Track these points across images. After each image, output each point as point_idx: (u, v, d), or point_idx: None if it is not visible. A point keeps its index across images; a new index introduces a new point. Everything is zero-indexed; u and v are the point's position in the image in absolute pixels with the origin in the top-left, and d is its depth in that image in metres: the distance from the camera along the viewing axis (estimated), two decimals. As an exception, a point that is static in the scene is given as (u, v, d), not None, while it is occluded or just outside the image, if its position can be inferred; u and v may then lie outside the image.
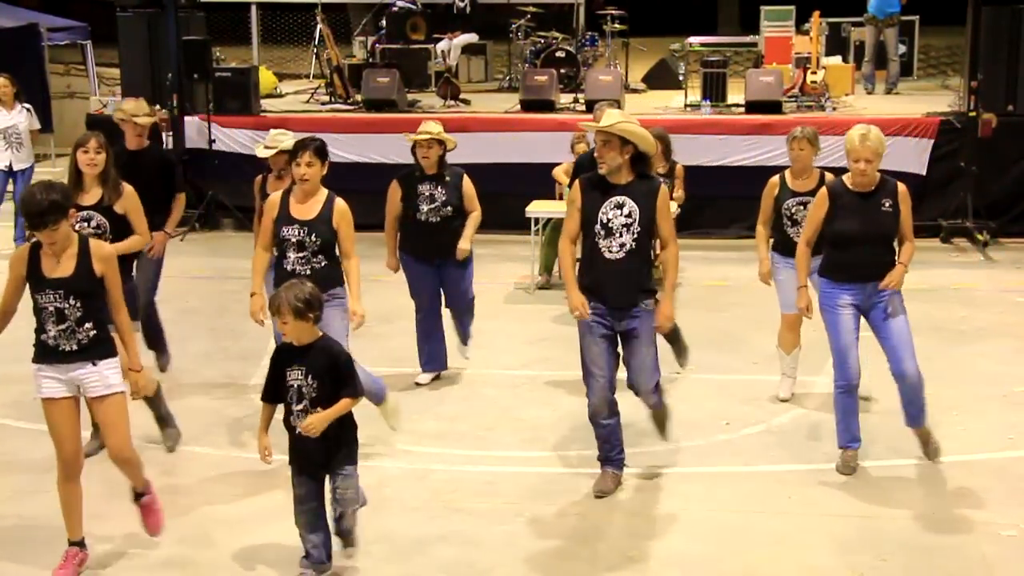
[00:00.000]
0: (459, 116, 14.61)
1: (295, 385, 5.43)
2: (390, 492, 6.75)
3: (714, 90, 14.74)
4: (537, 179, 12.21)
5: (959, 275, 11.72)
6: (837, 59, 16.89)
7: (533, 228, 11.44)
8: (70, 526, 5.77)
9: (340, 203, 6.88)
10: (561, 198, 11.34)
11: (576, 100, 15.33)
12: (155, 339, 8.80)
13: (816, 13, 15.47)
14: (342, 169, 12.83)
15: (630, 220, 6.40)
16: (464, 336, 8.82)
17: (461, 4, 17.92)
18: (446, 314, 8.70)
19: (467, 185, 8.49)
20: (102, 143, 7.04)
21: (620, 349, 6.61)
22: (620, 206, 6.41)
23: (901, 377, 6.80)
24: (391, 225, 8.45)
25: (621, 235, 6.41)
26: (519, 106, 14.83)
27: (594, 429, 6.72)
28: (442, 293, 8.59)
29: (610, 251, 6.43)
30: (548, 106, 14.60)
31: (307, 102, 16.23)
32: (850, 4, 17.31)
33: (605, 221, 6.41)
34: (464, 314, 8.75)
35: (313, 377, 5.40)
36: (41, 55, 18.46)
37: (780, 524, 6.33)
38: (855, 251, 6.77)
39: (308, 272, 6.71)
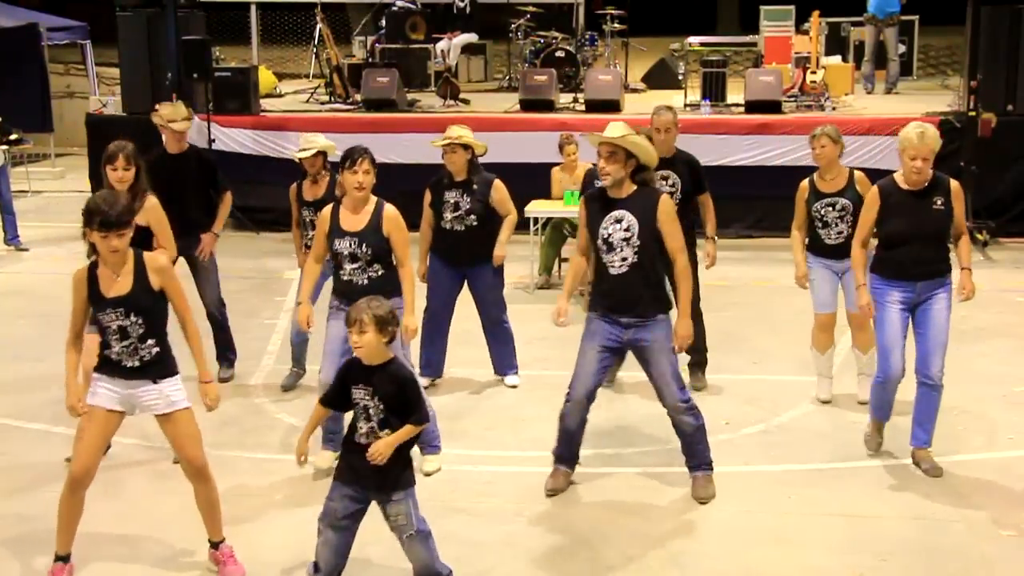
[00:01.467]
0: (459, 116, 14.61)
1: (361, 404, 5.31)
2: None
3: (714, 90, 14.74)
4: (537, 179, 12.20)
5: (958, 275, 11.70)
6: (837, 59, 16.89)
7: (532, 228, 11.44)
8: (62, 539, 5.70)
9: (390, 210, 6.76)
10: (559, 198, 11.35)
11: (576, 100, 15.34)
12: (224, 346, 8.80)
13: (816, 13, 15.48)
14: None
15: (629, 234, 6.37)
16: (507, 369, 8.70)
17: (461, 4, 17.91)
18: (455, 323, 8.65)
19: (496, 191, 8.32)
20: (130, 157, 6.96)
21: (616, 363, 6.78)
22: (619, 220, 6.39)
23: (924, 375, 6.85)
24: (426, 231, 8.36)
25: (622, 249, 6.39)
26: (519, 106, 14.83)
27: (559, 426, 6.77)
28: (474, 303, 8.53)
29: (613, 266, 6.43)
30: (548, 106, 14.60)
31: (307, 102, 16.23)
32: (850, 4, 17.31)
33: (606, 236, 6.41)
34: (501, 344, 8.60)
35: (380, 399, 5.27)
36: (41, 55, 18.46)
37: (780, 524, 6.34)
38: (907, 250, 6.79)
39: (366, 282, 6.67)
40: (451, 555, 5.97)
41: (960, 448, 7.20)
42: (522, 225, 11.47)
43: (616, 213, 6.40)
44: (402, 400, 5.28)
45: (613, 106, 14.41)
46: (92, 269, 5.52)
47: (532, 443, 7.48)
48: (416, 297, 6.80)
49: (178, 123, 8.53)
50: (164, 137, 8.67)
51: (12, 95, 15.96)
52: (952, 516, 6.40)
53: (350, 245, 6.70)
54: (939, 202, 6.76)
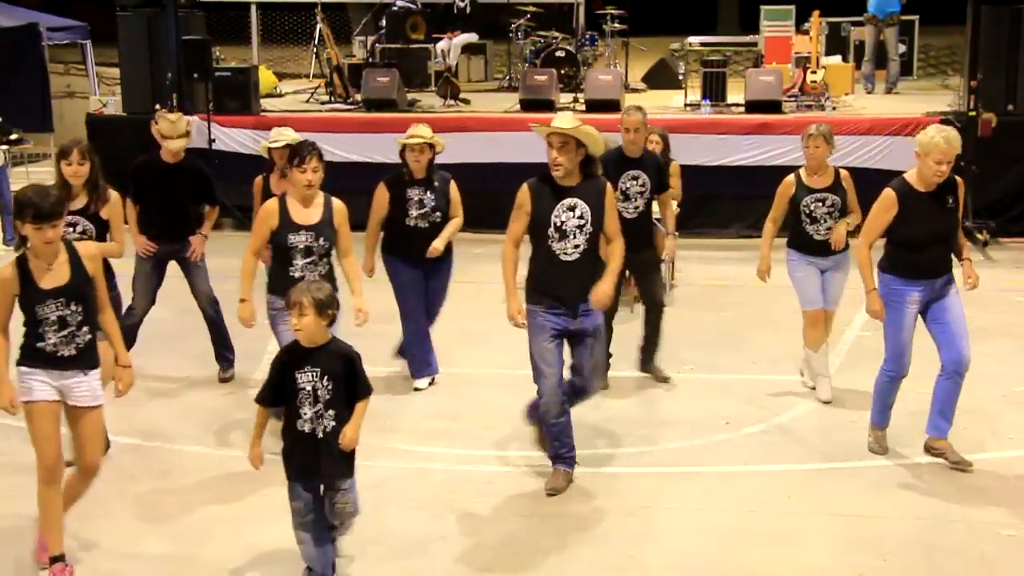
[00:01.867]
0: (459, 116, 14.62)
1: (308, 388, 5.30)
2: (390, 492, 6.75)
3: (714, 90, 14.74)
4: (537, 179, 12.21)
5: (959, 275, 11.69)
6: (837, 59, 16.89)
7: (533, 228, 11.42)
8: (54, 539, 5.69)
9: (339, 204, 6.91)
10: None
11: (576, 100, 15.33)
12: (222, 345, 8.78)
13: (816, 13, 15.47)
14: (342, 169, 12.83)
15: (583, 221, 6.47)
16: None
17: (461, 4, 17.91)
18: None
19: (454, 190, 8.41)
20: (84, 153, 6.96)
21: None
22: (572, 208, 6.46)
23: (957, 363, 6.83)
24: (375, 228, 8.34)
25: (575, 237, 6.47)
26: (519, 106, 14.83)
27: (545, 428, 6.77)
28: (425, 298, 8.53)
29: (565, 253, 6.49)
30: (548, 106, 14.58)
31: (307, 102, 16.23)
32: (850, 4, 17.31)
33: (559, 224, 6.45)
34: (433, 319, 8.65)
35: (329, 379, 5.29)
36: (41, 55, 18.44)
37: (780, 524, 6.33)
38: (929, 251, 6.81)
39: (317, 277, 6.70)
40: (451, 555, 5.98)
41: (960, 448, 7.18)
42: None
43: (569, 200, 6.47)
44: (350, 375, 5.32)
45: (613, 106, 14.36)
46: (21, 264, 5.51)
47: (532, 443, 7.47)
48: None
49: (174, 141, 8.40)
50: (162, 147, 8.58)
51: (12, 95, 15.94)
52: (952, 516, 6.40)
53: (306, 238, 6.76)
54: (950, 200, 6.80)
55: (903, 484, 6.83)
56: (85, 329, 5.60)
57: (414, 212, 8.22)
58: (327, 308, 5.28)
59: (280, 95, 17.19)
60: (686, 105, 14.94)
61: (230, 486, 6.83)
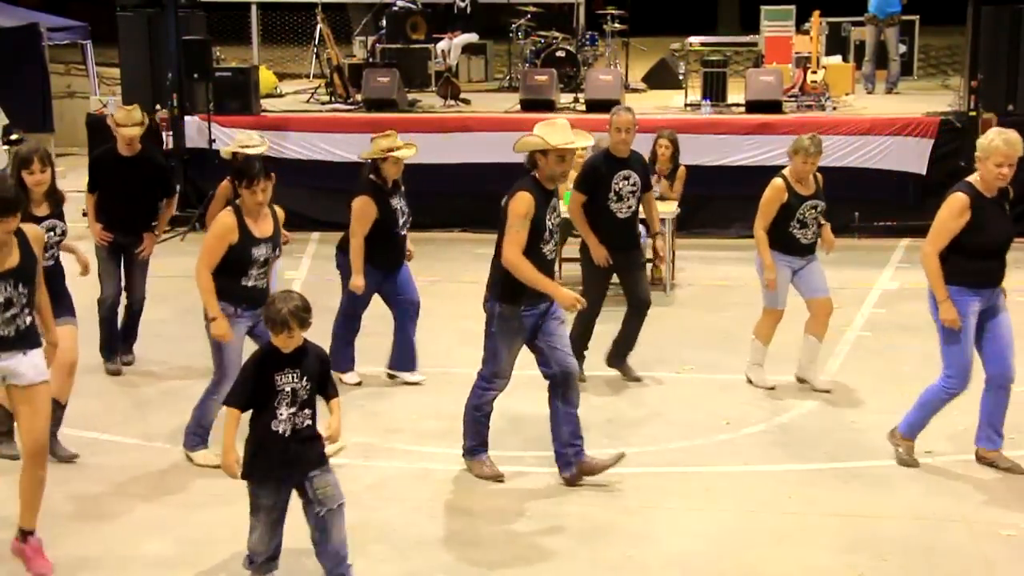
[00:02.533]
0: (459, 116, 14.61)
1: (288, 389, 5.33)
2: (390, 492, 6.75)
3: (714, 90, 14.73)
4: (537, 179, 12.20)
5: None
6: (837, 59, 16.88)
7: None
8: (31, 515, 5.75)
9: (279, 211, 7.11)
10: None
11: (576, 100, 15.32)
12: (128, 336, 8.93)
13: (816, 13, 15.47)
14: (342, 169, 12.85)
15: (559, 221, 6.83)
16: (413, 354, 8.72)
17: (461, 4, 17.91)
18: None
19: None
20: (44, 160, 6.94)
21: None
22: (554, 209, 6.72)
23: (1004, 377, 6.77)
24: (363, 244, 8.17)
25: (554, 236, 6.75)
26: (519, 106, 14.82)
27: (473, 419, 6.96)
28: (389, 301, 8.53)
29: (551, 254, 6.75)
30: (548, 106, 14.58)
31: (307, 102, 16.22)
32: (850, 4, 17.30)
33: (550, 227, 6.67)
34: (415, 318, 8.62)
35: (308, 379, 5.37)
36: (41, 55, 18.44)
37: (780, 524, 6.33)
38: (999, 257, 6.74)
39: (264, 285, 6.89)
40: (451, 555, 5.98)
41: (960, 448, 7.20)
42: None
43: (553, 201, 6.73)
44: (324, 376, 5.46)
45: (613, 106, 14.37)
46: None
47: (532, 443, 7.47)
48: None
49: (127, 128, 8.54)
50: (117, 139, 8.66)
51: (12, 95, 15.95)
52: (952, 516, 6.40)
53: (265, 251, 6.85)
54: (1006, 205, 6.77)
55: (903, 484, 6.83)
56: (27, 311, 5.65)
57: (401, 220, 8.31)
58: (308, 318, 5.33)
59: (280, 95, 17.19)
60: (686, 105, 14.93)
61: (230, 486, 6.80)
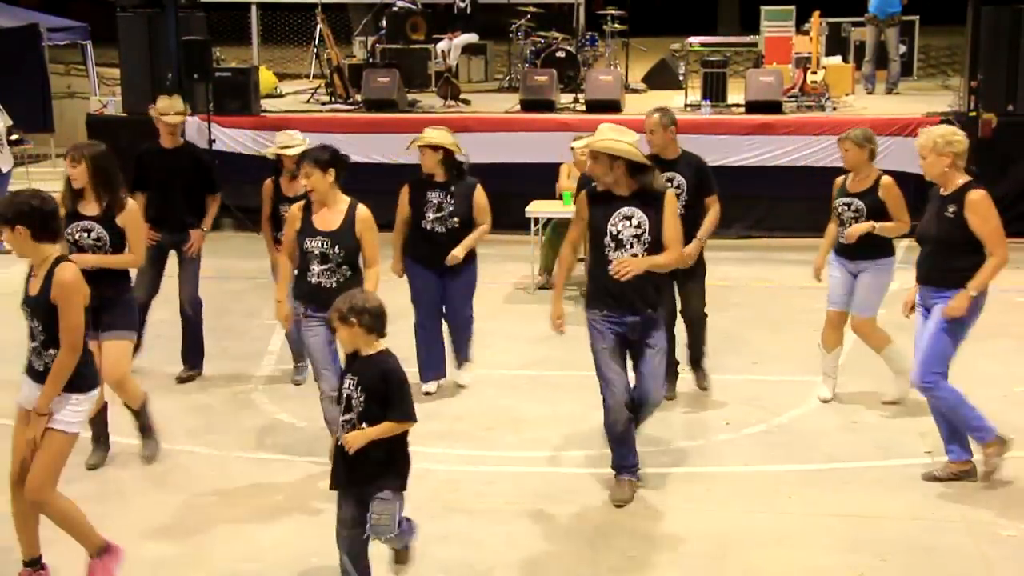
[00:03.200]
0: (459, 116, 14.61)
1: (345, 394, 5.20)
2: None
3: (714, 90, 14.74)
4: (537, 179, 12.22)
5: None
6: (837, 59, 16.88)
7: (533, 228, 11.44)
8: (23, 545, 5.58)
9: (363, 211, 6.75)
10: (559, 197, 11.33)
11: (576, 100, 15.34)
12: (192, 347, 8.80)
13: (816, 13, 15.47)
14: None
15: (640, 231, 6.38)
16: (461, 357, 8.64)
17: (461, 4, 17.91)
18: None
19: (478, 196, 8.28)
20: (76, 156, 6.76)
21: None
22: (628, 217, 6.39)
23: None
24: (400, 229, 8.26)
25: (632, 246, 6.38)
26: (519, 106, 14.83)
27: (608, 437, 6.65)
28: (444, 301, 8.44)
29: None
30: (548, 106, 14.60)
31: (307, 102, 16.24)
32: (850, 4, 17.31)
33: (615, 233, 6.39)
34: (461, 331, 8.56)
35: (363, 390, 5.15)
36: (41, 55, 18.44)
37: (780, 524, 6.34)
38: None
39: (334, 285, 6.61)
40: (451, 555, 5.98)
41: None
42: (523, 225, 11.52)
43: (625, 210, 6.40)
44: (383, 392, 5.17)
45: (613, 106, 14.41)
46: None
47: (532, 443, 7.49)
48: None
49: (171, 116, 8.51)
50: (160, 131, 8.64)
51: (12, 95, 15.92)
52: (952, 516, 6.40)
53: (321, 245, 6.67)
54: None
55: (903, 484, 6.83)
56: (52, 352, 5.37)
57: (431, 215, 8.12)
58: (350, 317, 5.13)
59: (280, 95, 17.20)
60: (686, 105, 14.93)
61: (231, 486, 6.84)
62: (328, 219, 6.71)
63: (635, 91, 17.06)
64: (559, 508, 6.55)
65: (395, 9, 17.80)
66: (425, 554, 5.99)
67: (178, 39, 14.22)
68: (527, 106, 14.69)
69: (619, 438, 6.60)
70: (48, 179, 17.71)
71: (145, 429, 7.21)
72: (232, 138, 14.30)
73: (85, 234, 6.78)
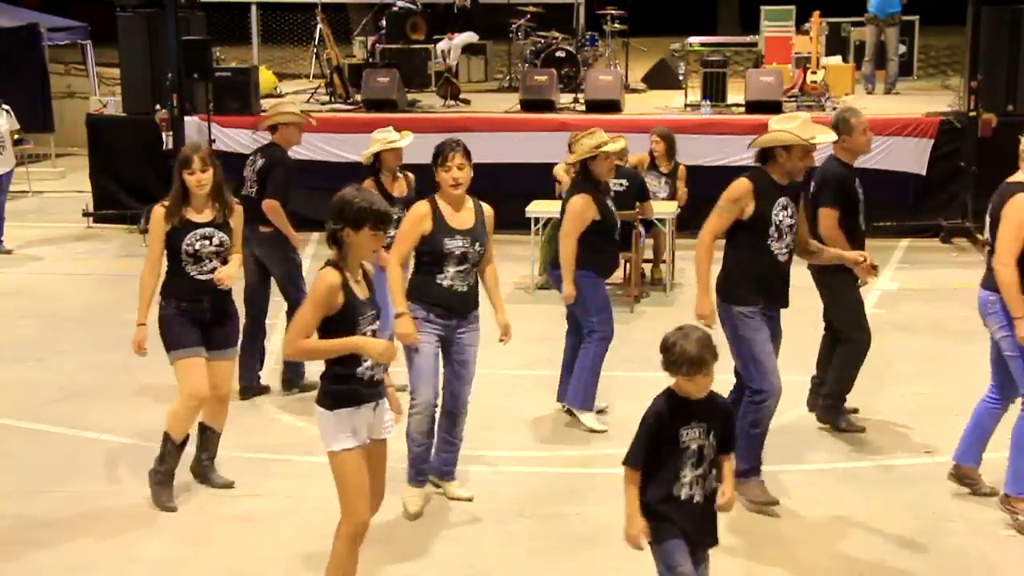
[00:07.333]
0: (459, 116, 14.62)
1: (693, 447, 4.62)
2: (390, 492, 6.73)
3: (714, 90, 14.74)
4: (537, 179, 12.21)
5: (959, 275, 11.70)
6: (837, 59, 16.89)
7: (533, 228, 11.44)
8: None
9: (487, 207, 6.45)
10: (560, 197, 11.31)
11: (576, 100, 15.34)
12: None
13: (816, 13, 15.48)
14: (342, 169, 12.85)
15: (793, 221, 6.34)
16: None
17: (461, 4, 17.92)
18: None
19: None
20: (206, 159, 6.43)
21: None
22: (785, 207, 6.34)
23: None
24: (574, 246, 7.59)
25: (786, 236, 6.36)
26: (519, 106, 14.83)
27: (764, 425, 6.46)
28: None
29: (782, 254, 6.40)
30: (548, 106, 14.60)
31: (307, 102, 16.22)
32: (850, 4, 17.31)
33: (777, 223, 6.31)
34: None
35: (715, 436, 4.67)
36: (41, 55, 18.45)
37: (780, 524, 6.33)
38: None
39: (466, 290, 6.32)
40: (451, 555, 5.98)
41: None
42: (523, 225, 11.52)
43: (783, 200, 6.35)
44: (728, 435, 4.75)
45: (613, 106, 14.40)
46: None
47: (532, 443, 7.49)
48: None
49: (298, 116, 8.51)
50: (282, 134, 8.48)
51: (12, 95, 15.93)
52: (952, 516, 6.40)
53: (462, 244, 6.24)
54: None
55: (903, 484, 6.83)
56: None
57: (618, 224, 7.80)
58: (711, 360, 4.61)
59: (280, 95, 17.18)
60: (686, 105, 14.94)
61: (231, 487, 6.83)
62: (463, 217, 6.32)
63: (635, 91, 17.07)
64: (559, 508, 6.55)
65: (395, 9, 17.80)
66: (425, 554, 6.00)
67: (178, 39, 14.20)
68: (527, 106, 14.69)
69: (766, 429, 6.47)
70: (47, 179, 17.78)
71: (214, 456, 6.88)
72: (232, 138, 14.28)
73: (206, 241, 6.41)
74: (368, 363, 5.03)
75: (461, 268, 6.29)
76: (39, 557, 5.95)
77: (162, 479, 6.52)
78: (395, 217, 6.47)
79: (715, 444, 4.67)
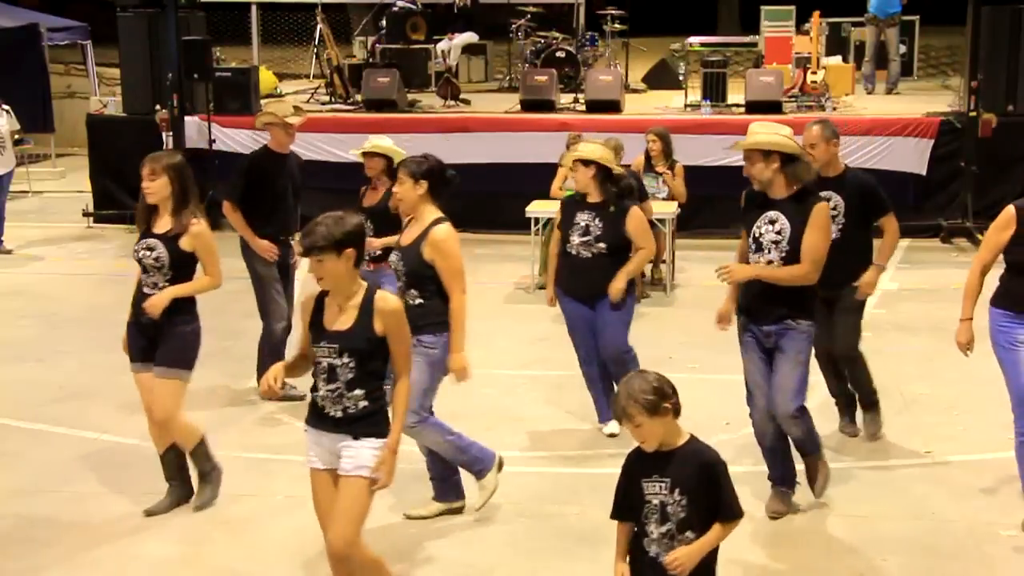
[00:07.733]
0: (459, 116, 14.62)
1: (655, 502, 4.27)
2: (390, 492, 6.73)
3: (714, 90, 14.74)
4: (537, 179, 12.20)
5: (959, 275, 11.62)
6: (837, 59, 16.89)
7: (533, 228, 11.44)
8: None
9: (438, 231, 6.09)
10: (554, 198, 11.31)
11: (576, 100, 15.34)
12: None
13: (816, 13, 15.48)
14: (342, 169, 12.85)
15: (779, 237, 6.19)
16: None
17: (461, 4, 17.92)
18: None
19: (635, 220, 7.59)
20: (159, 169, 6.11)
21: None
22: (773, 221, 6.23)
23: None
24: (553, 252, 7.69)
25: (770, 251, 6.21)
26: (519, 106, 14.84)
27: (762, 449, 6.51)
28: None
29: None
30: (548, 106, 14.60)
31: (307, 102, 16.22)
32: (850, 4, 17.32)
33: (757, 236, 6.26)
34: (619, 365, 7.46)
35: (681, 492, 4.24)
36: (41, 55, 18.46)
37: (780, 524, 6.33)
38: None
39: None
40: (452, 555, 5.98)
41: (960, 448, 7.20)
42: (523, 225, 11.52)
43: (770, 214, 6.26)
44: (708, 491, 4.27)
45: (613, 106, 14.40)
46: (323, 295, 4.97)
47: (532, 443, 7.48)
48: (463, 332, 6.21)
49: (293, 118, 8.08)
50: (274, 136, 8.18)
51: (12, 95, 15.94)
52: (952, 516, 6.40)
53: (397, 260, 6.23)
54: None
55: (903, 484, 6.83)
56: (358, 393, 4.85)
57: (576, 239, 7.42)
58: (662, 404, 4.22)
59: (280, 95, 17.18)
60: (686, 105, 14.94)
61: (230, 486, 6.83)
62: (407, 234, 6.25)
63: (635, 91, 17.08)
64: (559, 508, 6.55)
65: (395, 9, 17.81)
66: (425, 554, 6.00)
67: (178, 39, 14.22)
68: (527, 106, 14.70)
69: (769, 450, 6.47)
70: (47, 179, 17.79)
71: (202, 474, 6.53)
72: (232, 138, 14.30)
73: (147, 252, 6.20)
74: (320, 392, 4.83)
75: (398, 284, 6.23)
76: (39, 557, 5.95)
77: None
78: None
79: (684, 503, 4.24)
